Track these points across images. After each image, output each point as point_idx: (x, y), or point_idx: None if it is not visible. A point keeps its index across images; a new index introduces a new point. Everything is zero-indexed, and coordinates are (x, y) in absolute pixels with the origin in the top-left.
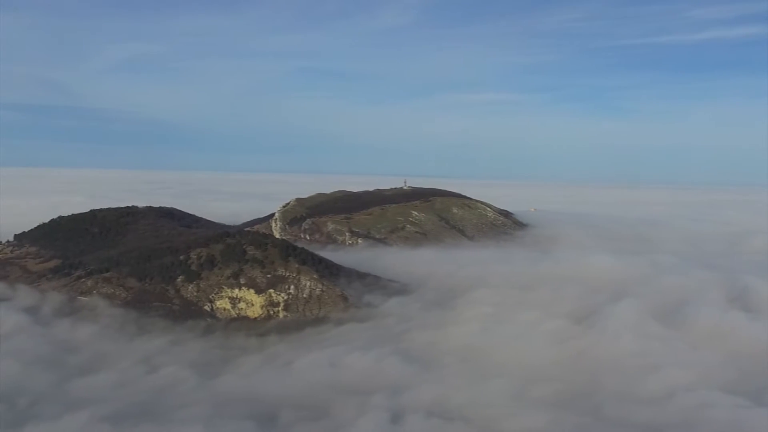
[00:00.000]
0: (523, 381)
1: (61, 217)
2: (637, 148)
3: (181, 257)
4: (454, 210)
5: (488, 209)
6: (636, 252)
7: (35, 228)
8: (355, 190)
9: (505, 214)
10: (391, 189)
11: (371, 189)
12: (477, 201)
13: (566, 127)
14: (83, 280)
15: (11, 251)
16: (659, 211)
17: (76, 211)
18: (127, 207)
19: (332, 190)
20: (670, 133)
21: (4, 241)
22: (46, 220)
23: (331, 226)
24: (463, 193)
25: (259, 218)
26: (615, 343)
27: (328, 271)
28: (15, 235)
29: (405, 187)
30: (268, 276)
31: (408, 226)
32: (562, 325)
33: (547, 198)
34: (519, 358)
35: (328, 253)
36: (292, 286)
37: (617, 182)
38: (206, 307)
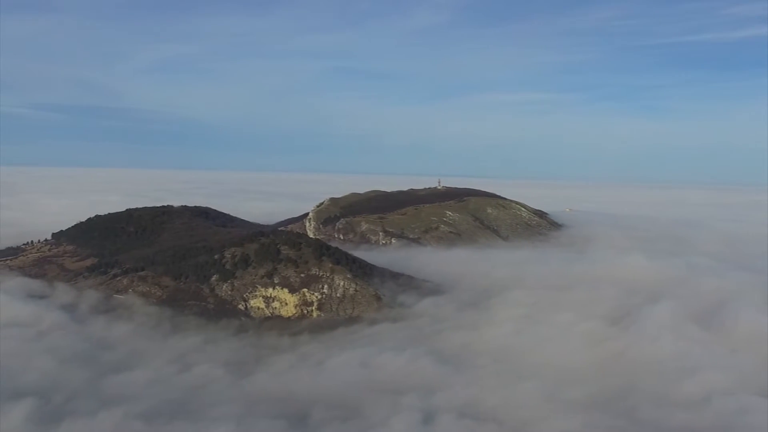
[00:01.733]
0: (557, 383)
1: (97, 216)
2: (673, 148)
3: (216, 256)
4: (489, 210)
5: (523, 209)
6: (672, 253)
7: (73, 227)
8: (388, 190)
9: (540, 214)
10: (425, 189)
11: (405, 189)
12: (511, 201)
13: (601, 127)
14: (119, 278)
15: (49, 249)
16: (696, 212)
17: (113, 211)
18: (163, 206)
19: (366, 190)
20: (707, 133)
21: (42, 240)
22: (84, 219)
23: (364, 226)
24: (498, 193)
25: (293, 218)
26: (651, 346)
27: (362, 270)
28: (53, 233)
29: (439, 187)
30: (302, 275)
31: (442, 226)
32: (597, 327)
33: (583, 198)
34: (553, 360)
35: (362, 253)
36: (325, 286)
37: (653, 182)
38: (240, 306)
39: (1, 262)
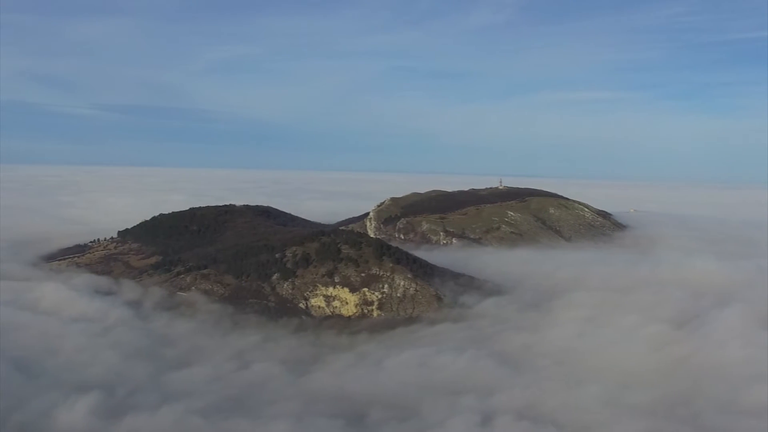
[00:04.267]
0: (619, 386)
1: (161, 215)
2: (741, 147)
3: (277, 255)
4: (551, 210)
5: (586, 210)
6: (741, 256)
7: (137, 225)
8: (449, 190)
9: (604, 214)
10: (487, 189)
11: (466, 189)
12: (574, 201)
13: (668, 126)
14: (182, 276)
15: (115, 247)
16: (766, 213)
17: (177, 209)
18: (225, 205)
19: (427, 190)
20: None
21: (108, 238)
22: (148, 218)
23: (425, 226)
24: (560, 193)
25: (354, 217)
26: (718, 351)
27: (423, 270)
28: (118, 231)
29: (500, 187)
30: (363, 275)
31: (503, 226)
32: (662, 330)
33: (648, 198)
34: (616, 363)
35: (423, 253)
36: (386, 285)
37: (721, 182)
38: (301, 305)
39: (69, 260)
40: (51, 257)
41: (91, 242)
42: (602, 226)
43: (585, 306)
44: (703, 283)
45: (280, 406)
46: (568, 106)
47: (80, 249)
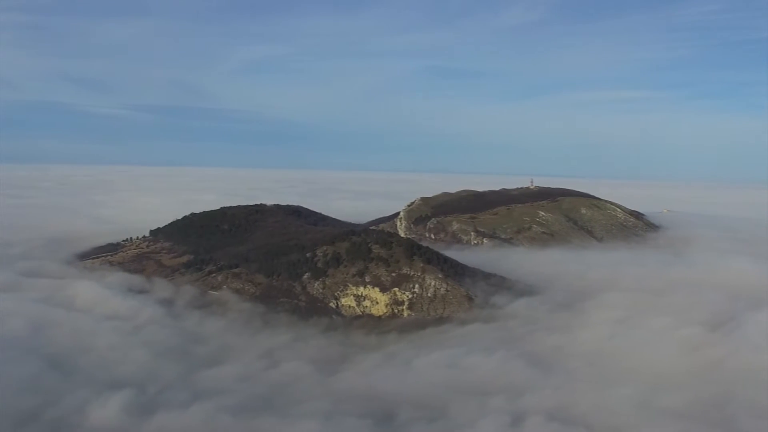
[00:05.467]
0: (651, 389)
1: (193, 214)
2: None
3: (308, 254)
4: (583, 210)
5: (618, 210)
6: None
7: (169, 224)
8: (480, 190)
9: (636, 215)
10: (518, 188)
11: (497, 188)
12: (606, 201)
13: (702, 125)
14: (214, 275)
15: (147, 246)
16: None
17: (208, 209)
18: (256, 205)
19: (457, 190)
20: None
21: (140, 237)
22: (179, 217)
23: (456, 226)
24: (592, 193)
25: (384, 217)
26: (753, 354)
27: (453, 270)
28: (150, 230)
29: (531, 187)
30: (393, 275)
31: (534, 226)
32: (696, 333)
33: (682, 199)
34: (648, 365)
35: (453, 253)
36: (416, 285)
37: (756, 182)
38: (332, 304)
39: (103, 258)
40: (85, 256)
41: (123, 241)
42: (635, 226)
43: (617, 307)
44: (738, 285)
45: (308, 405)
46: (600, 105)
47: (113, 248)
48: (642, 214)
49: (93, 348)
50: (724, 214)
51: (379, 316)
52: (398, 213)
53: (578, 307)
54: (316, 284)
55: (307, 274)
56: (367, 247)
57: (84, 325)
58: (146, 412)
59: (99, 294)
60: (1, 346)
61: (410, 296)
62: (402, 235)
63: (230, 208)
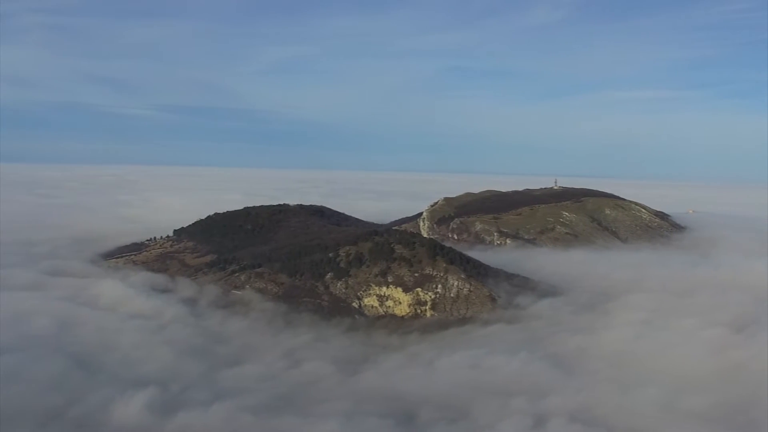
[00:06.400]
0: (675, 391)
1: (216, 214)
2: None
3: (331, 254)
4: (607, 211)
5: (643, 210)
6: None
7: (193, 224)
8: (503, 190)
9: (661, 215)
10: (541, 189)
11: (520, 189)
12: (631, 202)
13: (728, 125)
14: (237, 274)
15: (171, 245)
16: None
17: (231, 209)
18: (279, 205)
19: (480, 190)
20: None
21: (164, 236)
22: (203, 217)
23: (479, 226)
24: (616, 194)
25: (407, 217)
26: None
27: (476, 271)
28: (174, 230)
29: (555, 187)
30: (416, 275)
31: (558, 226)
32: (721, 334)
33: (707, 199)
34: (672, 367)
35: (476, 253)
36: (439, 286)
37: None
38: (354, 304)
39: (127, 257)
40: (109, 255)
41: (147, 240)
42: (660, 227)
43: (642, 308)
44: (763, 286)
45: (330, 405)
46: (625, 105)
47: (137, 247)
48: (667, 215)
49: (117, 346)
50: (750, 215)
51: (402, 317)
52: (421, 213)
53: (602, 308)
54: (338, 284)
55: (329, 274)
56: (389, 247)
57: (108, 324)
58: (169, 411)
59: (123, 293)
60: (27, 344)
61: (433, 296)
62: (425, 235)
63: (253, 208)
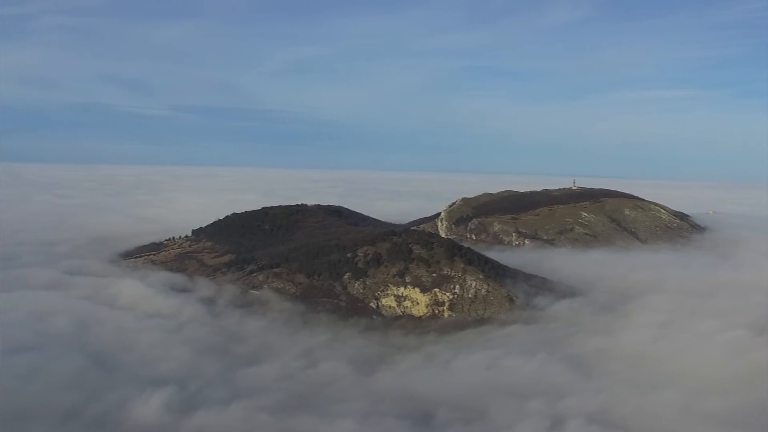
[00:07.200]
0: (695, 394)
1: (235, 214)
2: None
3: (348, 255)
4: (626, 211)
5: (663, 211)
6: None
7: (211, 224)
8: (522, 190)
9: (681, 216)
10: (560, 189)
11: (539, 189)
12: (650, 202)
13: (748, 124)
14: (255, 274)
15: (189, 245)
16: None
17: (249, 209)
18: (297, 205)
19: (499, 190)
20: None
21: (183, 236)
22: (221, 217)
23: (497, 227)
24: (636, 194)
25: (425, 217)
26: None
27: (494, 271)
28: (193, 230)
29: (574, 188)
30: (434, 275)
31: (577, 227)
32: (742, 336)
33: (727, 200)
34: (692, 370)
35: (494, 254)
36: (457, 286)
37: None
38: (372, 305)
39: (146, 257)
40: (128, 254)
41: (166, 240)
42: (680, 227)
43: (661, 310)
44: None
45: (346, 405)
46: (644, 105)
47: (156, 247)
48: (687, 216)
49: (135, 345)
50: None
51: (420, 317)
52: (439, 213)
53: (621, 309)
54: (356, 284)
55: (347, 274)
56: (407, 247)
57: (127, 323)
58: (187, 410)
59: (142, 292)
60: (46, 342)
61: (451, 297)
62: (443, 235)
63: (271, 208)
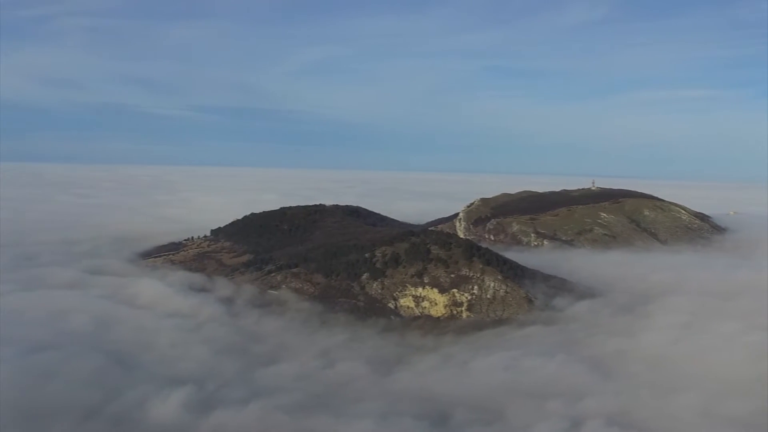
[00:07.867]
0: (716, 396)
1: (253, 214)
2: None
3: (367, 255)
4: (646, 212)
5: (683, 212)
6: None
7: (230, 224)
8: (540, 191)
9: (702, 217)
10: (579, 189)
11: (557, 189)
12: (670, 203)
13: None
14: (273, 274)
15: (208, 245)
16: None
17: (268, 209)
18: (315, 205)
19: (517, 191)
20: None
21: (201, 236)
22: (240, 217)
23: (516, 227)
24: (655, 195)
25: (443, 218)
26: None
27: (513, 272)
28: (211, 230)
29: (593, 188)
30: (452, 276)
31: (596, 228)
32: (763, 339)
33: (749, 200)
34: (713, 372)
35: (513, 254)
36: (475, 287)
37: None
38: (390, 305)
39: (165, 257)
40: (147, 254)
41: (185, 240)
42: (700, 228)
43: (682, 311)
44: None
45: (364, 405)
46: (665, 104)
47: (175, 247)
48: (708, 216)
49: (154, 345)
50: None
51: (438, 317)
52: (457, 214)
53: (641, 310)
54: (374, 284)
55: (365, 274)
56: (426, 247)
57: (146, 322)
58: (205, 409)
59: (161, 292)
60: (66, 341)
61: (469, 297)
62: (461, 236)
63: (290, 208)
